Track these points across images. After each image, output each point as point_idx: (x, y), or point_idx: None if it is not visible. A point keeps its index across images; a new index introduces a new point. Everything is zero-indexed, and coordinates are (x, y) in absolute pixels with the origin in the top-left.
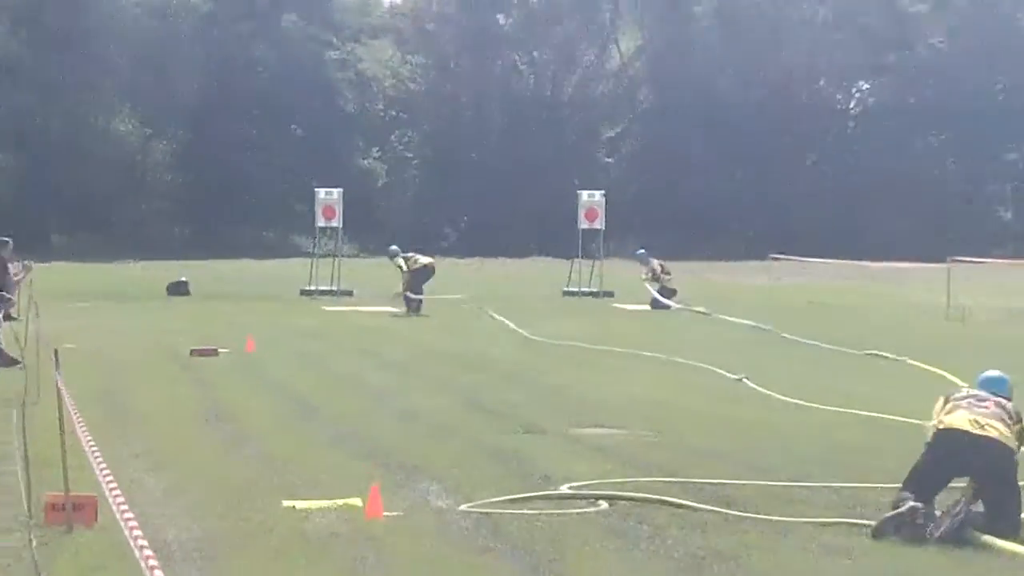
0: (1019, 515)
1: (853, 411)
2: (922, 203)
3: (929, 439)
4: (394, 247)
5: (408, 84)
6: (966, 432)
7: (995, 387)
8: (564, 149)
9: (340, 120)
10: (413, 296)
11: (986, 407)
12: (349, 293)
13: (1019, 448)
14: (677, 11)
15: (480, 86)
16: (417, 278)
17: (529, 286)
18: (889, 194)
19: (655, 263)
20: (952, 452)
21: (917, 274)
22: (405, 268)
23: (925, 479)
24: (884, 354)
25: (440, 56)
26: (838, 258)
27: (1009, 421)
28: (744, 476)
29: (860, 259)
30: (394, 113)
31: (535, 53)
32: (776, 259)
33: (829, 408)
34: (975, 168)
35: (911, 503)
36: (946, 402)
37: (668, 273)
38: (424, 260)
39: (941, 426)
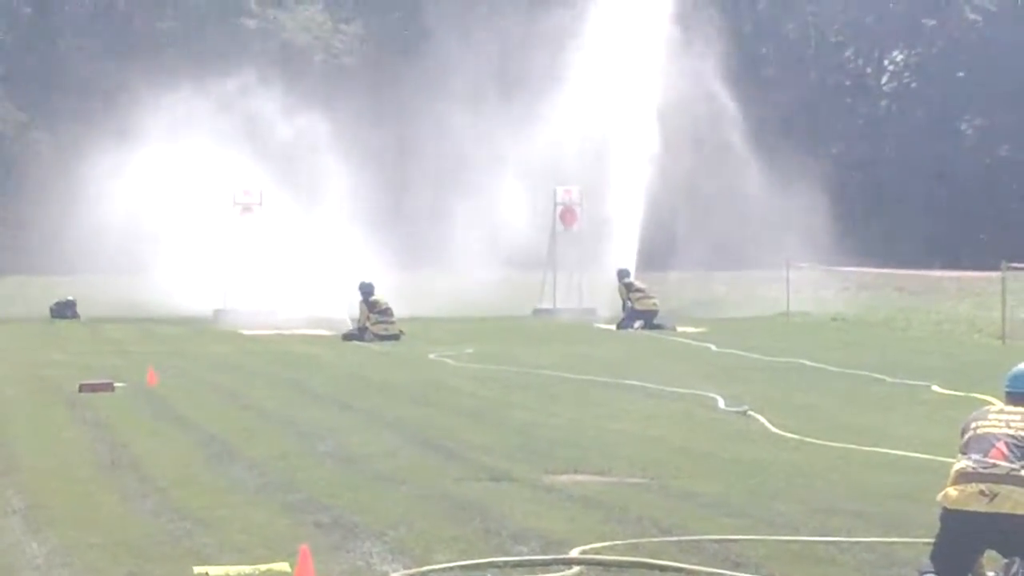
0: None
1: (883, 450)
2: (969, 198)
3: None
4: None
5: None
6: (974, 513)
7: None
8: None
9: None
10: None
11: (999, 447)
12: (272, 313)
13: None
14: None
15: None
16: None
17: (493, 302)
18: (923, 185)
19: (627, 282)
20: (966, 535)
21: (964, 284)
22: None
23: (947, 561)
24: (917, 382)
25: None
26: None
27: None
28: (755, 531)
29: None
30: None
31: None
32: (798, 267)
33: (853, 447)
34: None
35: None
36: (963, 434)
37: (640, 290)
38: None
39: (947, 504)
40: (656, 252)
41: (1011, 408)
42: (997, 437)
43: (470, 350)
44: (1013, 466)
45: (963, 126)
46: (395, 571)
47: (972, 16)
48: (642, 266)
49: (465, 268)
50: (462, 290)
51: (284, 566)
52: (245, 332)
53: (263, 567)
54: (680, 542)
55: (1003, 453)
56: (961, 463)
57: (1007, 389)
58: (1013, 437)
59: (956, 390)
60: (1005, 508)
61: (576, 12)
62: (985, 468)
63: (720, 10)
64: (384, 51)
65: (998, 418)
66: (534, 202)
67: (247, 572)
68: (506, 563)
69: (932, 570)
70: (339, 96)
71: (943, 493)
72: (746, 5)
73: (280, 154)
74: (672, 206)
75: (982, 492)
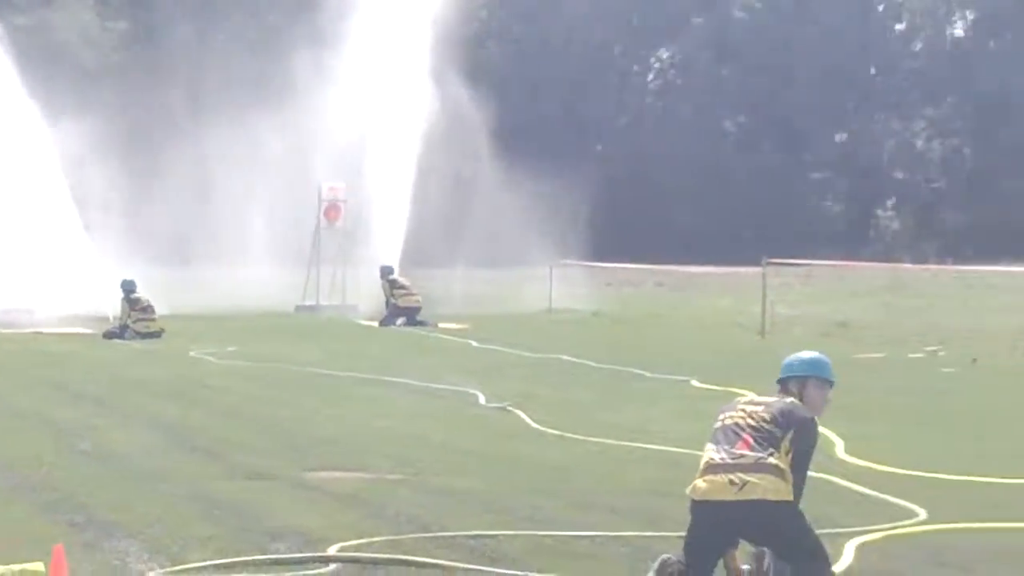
0: (822, 559)
1: (642, 444)
2: (732, 196)
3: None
4: None
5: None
6: (723, 502)
7: (799, 370)
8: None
9: None
10: None
11: (746, 437)
12: (29, 312)
13: (790, 473)
14: None
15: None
16: None
17: (257, 299)
18: (688, 183)
19: (391, 279)
20: (716, 525)
21: (726, 280)
22: None
23: (699, 553)
24: (677, 377)
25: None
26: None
27: (775, 445)
28: (514, 526)
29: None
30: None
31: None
32: (562, 264)
33: (612, 441)
34: (796, 153)
35: (661, 557)
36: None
37: (403, 287)
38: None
39: (695, 496)
40: (422, 249)
41: (759, 399)
42: (743, 428)
43: (232, 347)
44: (760, 455)
45: (727, 124)
46: (151, 570)
47: (739, 14)
48: (407, 263)
49: (230, 264)
50: (226, 287)
51: (39, 566)
52: (1, 331)
53: (17, 567)
54: (438, 538)
55: (749, 444)
56: (709, 454)
57: (779, 377)
58: (756, 429)
59: (715, 384)
60: (755, 495)
61: (341, 12)
62: (733, 459)
63: (485, 7)
64: (148, 48)
65: (744, 408)
66: (303, 198)
67: (0, 572)
68: (263, 561)
69: (678, 559)
70: (103, 90)
71: (692, 486)
72: (514, 3)
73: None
74: (439, 204)
75: (731, 481)
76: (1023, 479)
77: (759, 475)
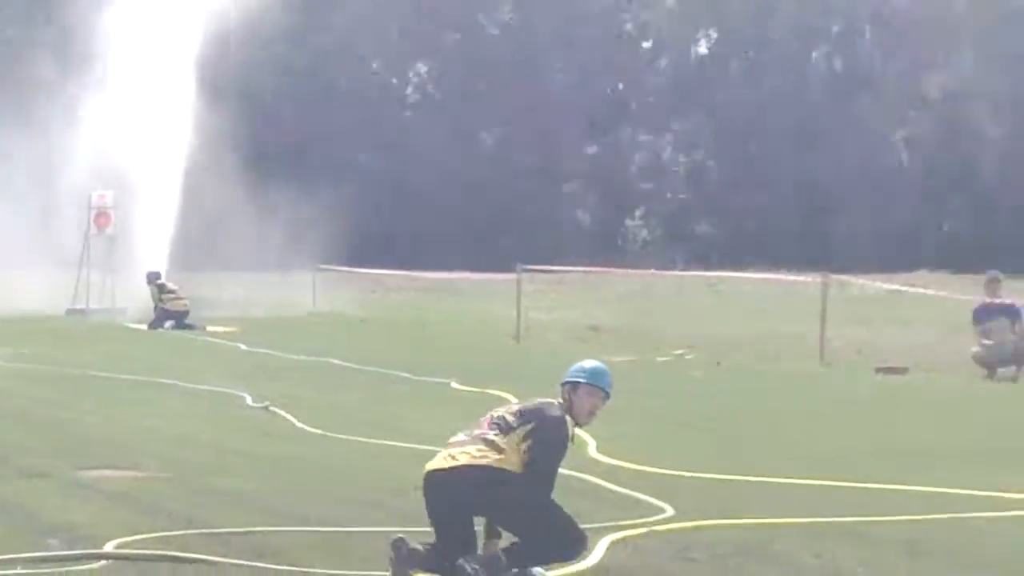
0: (544, 535)
1: (402, 443)
2: (489, 204)
3: None
4: None
5: None
6: (437, 471)
7: (574, 375)
8: None
9: None
10: None
11: (483, 425)
12: None
13: (509, 454)
14: None
15: None
16: None
17: (29, 302)
18: (447, 192)
19: (159, 283)
20: (439, 498)
21: (485, 287)
22: None
23: (439, 530)
24: (438, 379)
25: None
26: (391, 269)
27: (505, 432)
28: (277, 522)
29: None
30: None
31: None
32: (324, 269)
33: (374, 440)
34: (550, 164)
35: (392, 538)
36: None
37: (171, 291)
38: None
39: (424, 472)
40: (190, 254)
41: (522, 403)
42: (487, 419)
43: (4, 349)
44: (485, 432)
45: (484, 136)
46: None
47: (493, 31)
48: (174, 268)
49: (14, 268)
50: (12, 288)
51: None
52: None
53: None
54: (206, 535)
55: (482, 429)
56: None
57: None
58: (496, 420)
59: (473, 386)
60: (462, 461)
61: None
62: (460, 441)
63: (247, 23)
64: None
65: (503, 407)
66: (78, 204)
67: None
68: (35, 558)
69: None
70: None
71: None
72: (279, 16)
73: None
74: (206, 212)
75: (449, 455)
76: (765, 477)
77: (471, 446)
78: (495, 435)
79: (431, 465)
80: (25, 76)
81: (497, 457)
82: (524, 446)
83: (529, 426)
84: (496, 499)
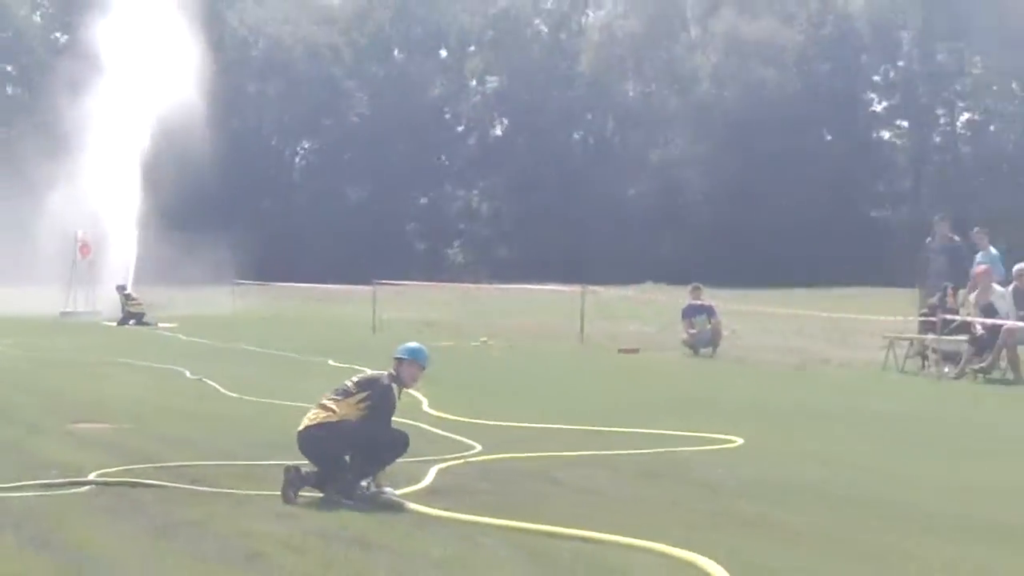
0: (379, 444)
1: (295, 403)
2: (353, 238)
3: None
4: None
5: None
6: (300, 432)
7: (401, 353)
8: None
9: None
10: None
11: (332, 394)
12: None
13: (345, 412)
14: None
15: None
16: None
17: (34, 308)
18: (325, 229)
19: (127, 291)
20: (304, 448)
21: (350, 294)
22: None
23: (315, 465)
24: (319, 358)
25: None
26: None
27: (344, 396)
28: (209, 458)
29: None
30: None
31: None
32: (239, 283)
33: (276, 401)
34: (395, 210)
35: (285, 466)
36: None
37: (134, 299)
38: None
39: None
40: (147, 271)
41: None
42: (336, 389)
43: (9, 340)
44: (326, 401)
45: (348, 191)
46: None
47: (354, 119)
48: (136, 282)
49: (9, 284)
50: (6, 299)
51: None
52: None
53: None
54: (159, 467)
55: (329, 397)
56: None
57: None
58: (340, 389)
59: (343, 363)
60: (308, 423)
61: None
62: (316, 406)
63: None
64: None
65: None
66: (63, 239)
67: None
68: (39, 484)
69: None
70: None
71: None
72: (204, 109)
73: None
74: (156, 243)
75: (307, 417)
76: (543, 424)
77: (316, 411)
78: (333, 402)
79: (298, 428)
80: (20, 153)
81: (332, 416)
82: (361, 406)
83: (364, 394)
84: (337, 439)
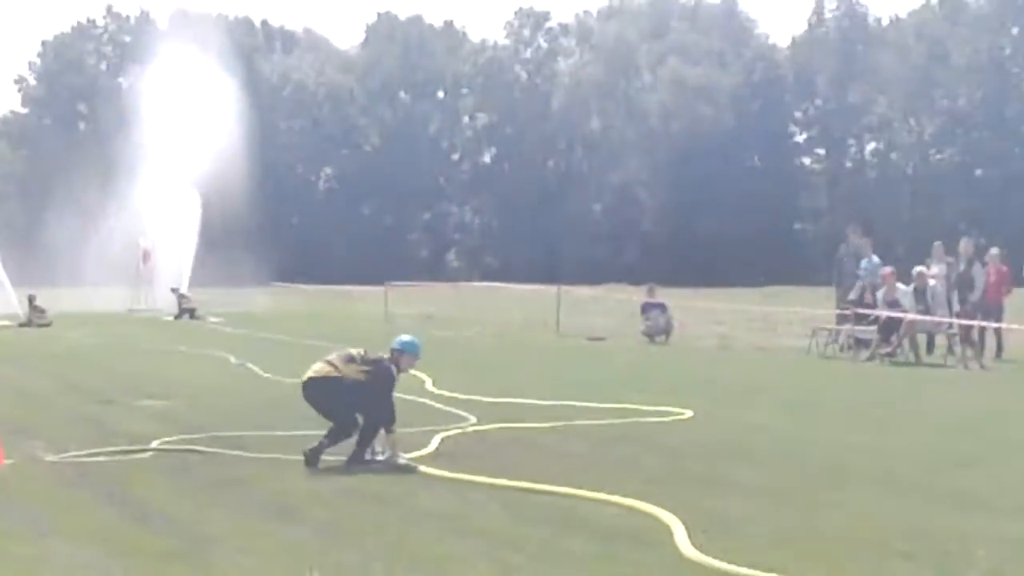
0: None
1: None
2: (368, 247)
3: None
4: None
5: None
6: (305, 381)
7: (398, 345)
8: None
9: None
10: None
11: (344, 353)
12: None
13: (353, 379)
14: None
15: None
16: None
17: (105, 305)
18: (344, 240)
19: (181, 292)
20: (308, 395)
21: (366, 293)
22: None
23: (324, 415)
24: (339, 345)
25: None
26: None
27: (349, 362)
28: (250, 429)
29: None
30: None
31: None
32: (274, 285)
33: (301, 382)
34: (402, 223)
35: (304, 451)
36: None
37: (185, 297)
38: None
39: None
40: (199, 276)
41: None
42: (344, 352)
43: (94, 331)
44: (333, 358)
45: (363, 207)
46: (51, 456)
47: (368, 148)
48: (191, 284)
49: (90, 285)
50: (88, 298)
51: None
52: None
53: None
54: (209, 436)
55: (336, 353)
56: None
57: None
58: (353, 353)
59: (360, 348)
60: (312, 374)
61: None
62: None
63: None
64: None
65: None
66: (128, 247)
67: None
68: (110, 451)
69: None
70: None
71: None
72: (244, 141)
73: None
74: (207, 253)
75: (312, 369)
76: (529, 400)
77: (320, 364)
78: (339, 361)
79: (303, 377)
80: (89, 178)
81: (334, 372)
82: (361, 373)
83: (368, 367)
84: (336, 391)
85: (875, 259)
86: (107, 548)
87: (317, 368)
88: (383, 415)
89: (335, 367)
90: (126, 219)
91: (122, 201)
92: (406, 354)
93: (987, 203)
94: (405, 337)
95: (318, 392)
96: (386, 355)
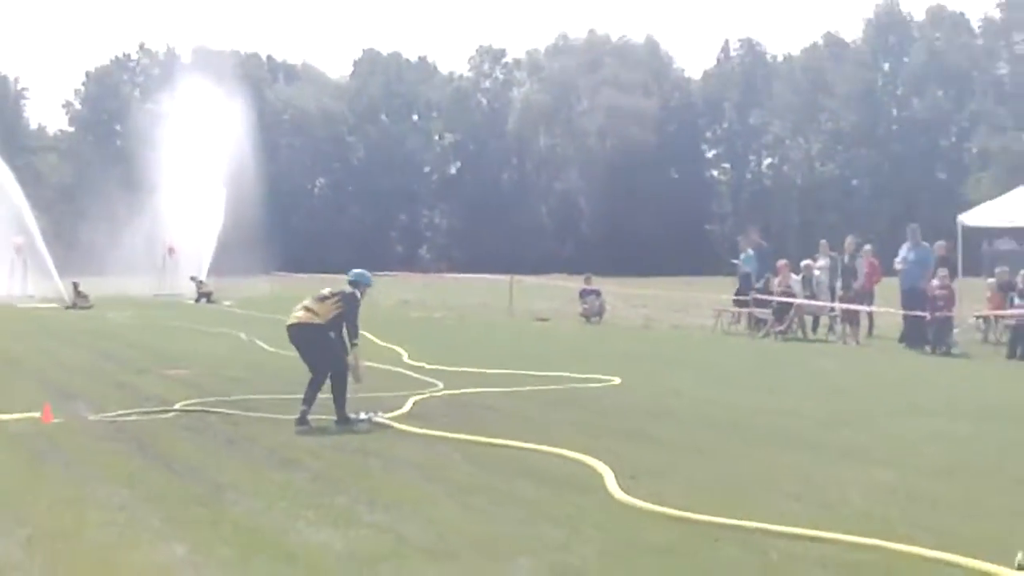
0: (338, 363)
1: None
2: (354, 242)
3: None
4: None
5: None
6: (290, 326)
7: (353, 276)
8: None
9: None
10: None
11: (315, 299)
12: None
13: (331, 318)
14: None
15: None
16: None
17: (133, 289)
18: (334, 237)
19: (199, 279)
20: (293, 338)
21: None
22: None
23: (303, 357)
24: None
25: None
26: (308, 273)
27: (323, 301)
28: (258, 393)
29: (318, 273)
30: None
31: None
32: (276, 274)
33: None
34: (382, 223)
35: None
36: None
37: (203, 283)
38: None
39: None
40: (217, 266)
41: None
42: (315, 296)
43: (128, 313)
44: (311, 303)
45: (352, 211)
46: (92, 415)
47: (355, 163)
48: (211, 274)
49: (121, 275)
50: (121, 285)
51: (36, 413)
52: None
53: (26, 414)
54: (224, 400)
55: (313, 300)
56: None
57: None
58: (318, 296)
59: None
60: (298, 320)
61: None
62: (301, 308)
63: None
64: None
65: (324, 291)
66: (153, 242)
67: (18, 417)
68: (141, 412)
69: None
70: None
71: None
72: (251, 152)
73: None
74: (223, 249)
75: (295, 315)
76: (484, 369)
77: (302, 312)
78: (316, 304)
79: (288, 322)
80: (122, 188)
81: (316, 319)
82: (335, 308)
83: (336, 299)
84: (316, 340)
85: (750, 252)
86: (138, 492)
87: (299, 315)
88: (351, 330)
89: (315, 312)
90: (153, 220)
91: (150, 205)
92: (361, 284)
93: (861, 207)
94: (356, 271)
95: (300, 336)
96: (347, 288)
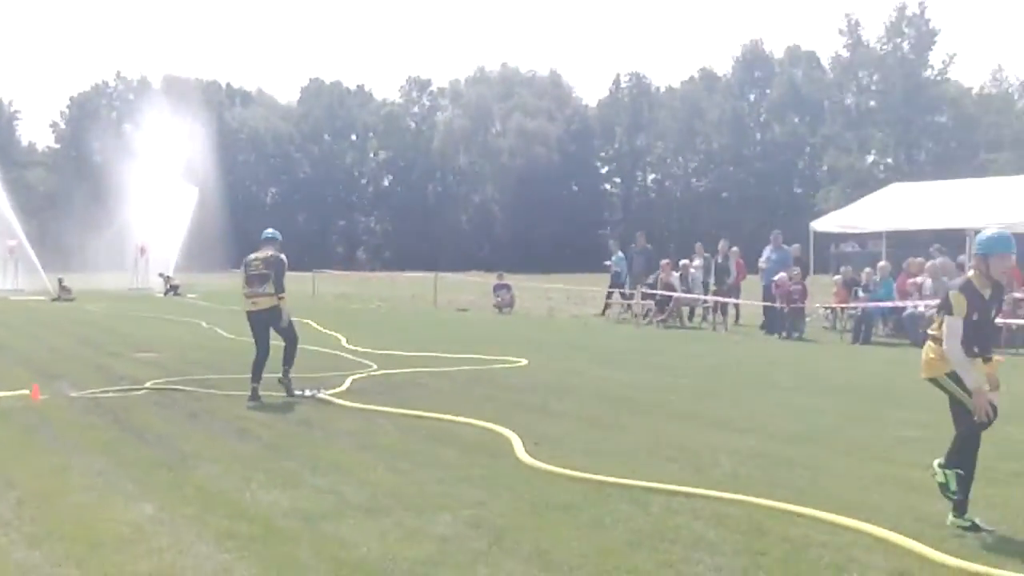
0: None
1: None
2: (301, 245)
3: None
4: None
5: None
6: (250, 312)
7: (271, 235)
8: None
9: None
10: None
11: (257, 279)
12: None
13: (270, 290)
14: None
15: None
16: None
17: (106, 286)
18: (283, 241)
19: (167, 275)
20: (253, 324)
21: (299, 278)
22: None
23: (255, 337)
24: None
25: None
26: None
27: (267, 279)
28: (216, 373)
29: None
30: None
31: None
32: (232, 271)
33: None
34: (325, 228)
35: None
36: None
37: (171, 278)
38: None
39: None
40: (185, 263)
41: (259, 256)
42: (257, 275)
43: (104, 304)
44: (259, 286)
45: (299, 218)
46: (74, 393)
47: (302, 173)
48: (178, 270)
49: (100, 271)
50: (96, 280)
51: (26, 391)
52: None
53: (16, 392)
54: (188, 379)
55: (258, 281)
56: (245, 291)
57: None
58: (260, 276)
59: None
60: (257, 307)
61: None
62: (252, 291)
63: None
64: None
65: (255, 263)
66: (131, 241)
67: (8, 394)
68: (119, 389)
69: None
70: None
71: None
72: (211, 154)
73: None
74: (193, 247)
75: (252, 301)
76: (415, 352)
77: (259, 298)
78: (261, 285)
79: (246, 308)
80: (101, 196)
81: (271, 302)
82: (272, 275)
83: (271, 271)
84: (272, 319)
85: (620, 254)
86: (114, 459)
87: (257, 300)
88: (278, 287)
89: (268, 295)
90: (127, 224)
91: (124, 212)
92: (277, 241)
93: (730, 216)
94: (271, 230)
95: (259, 319)
96: (271, 250)
